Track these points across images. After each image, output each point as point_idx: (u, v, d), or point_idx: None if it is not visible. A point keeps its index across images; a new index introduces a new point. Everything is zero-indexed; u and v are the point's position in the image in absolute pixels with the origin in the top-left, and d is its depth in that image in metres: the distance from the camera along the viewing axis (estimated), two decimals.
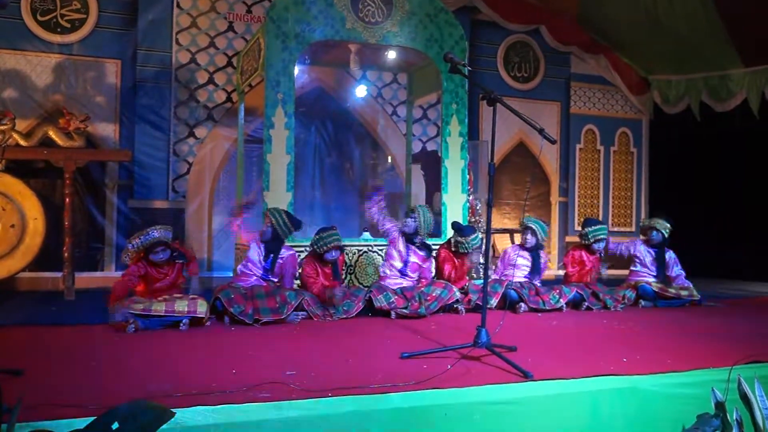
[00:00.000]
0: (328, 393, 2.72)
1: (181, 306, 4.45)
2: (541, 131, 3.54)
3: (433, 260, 5.82)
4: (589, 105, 9.43)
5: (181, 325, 4.41)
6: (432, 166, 7.26)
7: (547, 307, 5.55)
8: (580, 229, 6.45)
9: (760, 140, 8.65)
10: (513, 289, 5.54)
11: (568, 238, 9.11)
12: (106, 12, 7.11)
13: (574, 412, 2.98)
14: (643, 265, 6.35)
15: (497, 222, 8.75)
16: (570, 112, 9.32)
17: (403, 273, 5.44)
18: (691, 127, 9.00)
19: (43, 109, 6.81)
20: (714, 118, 8.67)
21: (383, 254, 5.81)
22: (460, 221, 6.12)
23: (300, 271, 5.36)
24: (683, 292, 6.17)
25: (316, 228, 5.39)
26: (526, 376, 3.10)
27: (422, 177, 7.86)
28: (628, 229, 9.48)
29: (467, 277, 5.95)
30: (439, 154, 6.45)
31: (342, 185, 8.29)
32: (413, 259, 5.48)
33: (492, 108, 3.56)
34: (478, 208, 7.42)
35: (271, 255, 5.05)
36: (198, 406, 2.50)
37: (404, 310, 5.06)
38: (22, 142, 6.26)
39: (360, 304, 5.08)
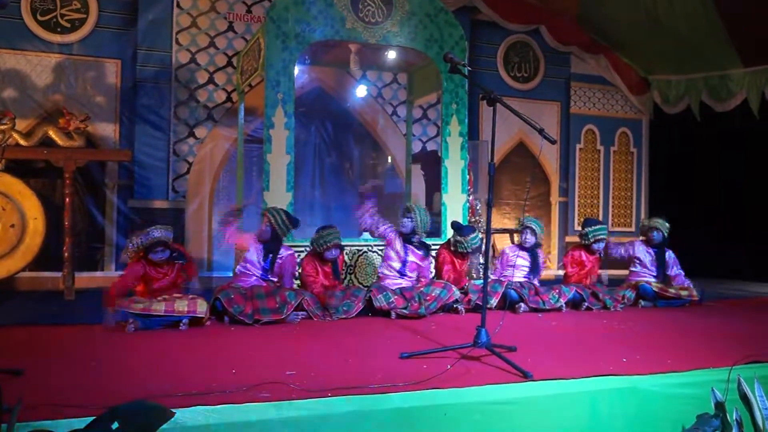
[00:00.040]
0: (327, 393, 2.73)
1: (181, 306, 4.46)
2: (541, 131, 3.54)
3: (432, 259, 5.82)
4: (589, 105, 9.43)
5: (181, 324, 4.41)
6: (432, 166, 7.26)
7: (547, 307, 5.55)
8: (579, 229, 6.45)
9: (760, 140, 8.66)
10: (513, 289, 5.54)
11: (567, 238, 9.10)
12: (106, 12, 7.11)
13: (574, 412, 2.98)
14: (643, 265, 6.35)
15: (497, 222, 8.75)
16: (570, 112, 9.31)
17: (402, 273, 5.45)
18: (691, 127, 8.99)
19: (43, 108, 6.81)
20: (714, 118, 8.67)
21: (383, 255, 5.81)
22: (460, 221, 6.12)
23: (300, 270, 5.37)
24: (683, 292, 6.17)
25: (316, 228, 5.40)
26: (526, 376, 3.10)
27: (422, 177, 7.87)
28: (628, 229, 9.47)
29: (467, 277, 5.96)
30: (439, 154, 6.45)
31: (342, 185, 8.29)
32: (411, 258, 5.48)
33: (492, 108, 3.56)
34: (478, 208, 7.42)
35: (270, 255, 5.05)
36: (198, 406, 2.50)
37: (404, 311, 5.06)
38: (22, 142, 6.27)
39: (360, 304, 5.08)
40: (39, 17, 6.84)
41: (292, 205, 5.61)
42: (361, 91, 7.89)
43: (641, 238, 6.57)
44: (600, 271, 6.50)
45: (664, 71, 9.14)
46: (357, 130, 8.26)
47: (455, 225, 5.80)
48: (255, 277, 5.04)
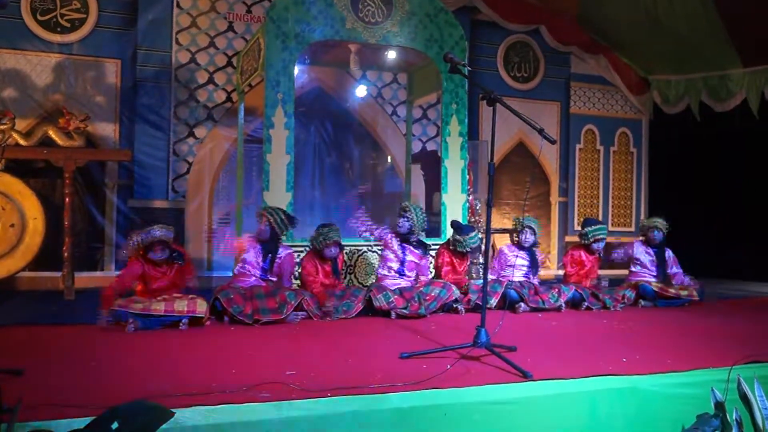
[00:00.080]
0: (327, 393, 2.73)
1: (181, 305, 4.46)
2: (540, 131, 3.54)
3: (431, 258, 5.81)
4: (589, 105, 9.44)
5: (181, 324, 4.41)
6: (432, 166, 7.25)
7: (547, 306, 5.56)
8: (579, 229, 6.46)
9: (759, 140, 8.66)
10: (513, 288, 5.54)
11: (567, 238, 9.10)
12: (106, 12, 7.11)
13: (574, 412, 2.98)
14: (643, 265, 6.36)
15: (497, 222, 8.74)
16: (570, 112, 9.31)
17: (400, 273, 5.44)
18: (691, 127, 9.00)
19: (43, 108, 6.81)
20: (714, 118, 8.68)
21: (380, 257, 5.80)
22: (460, 221, 6.12)
23: (299, 269, 5.37)
24: (683, 292, 6.17)
25: (316, 227, 5.40)
26: (526, 376, 3.10)
27: (422, 177, 7.87)
28: (627, 229, 9.48)
29: (466, 277, 5.95)
30: (439, 154, 6.45)
31: (342, 185, 8.29)
32: (410, 258, 5.48)
33: (492, 108, 3.56)
34: (477, 208, 7.42)
35: (269, 255, 5.05)
36: (198, 406, 2.50)
37: (404, 310, 5.05)
38: (22, 142, 6.27)
39: (360, 304, 5.08)
40: (39, 17, 6.84)
41: (291, 205, 5.62)
42: (361, 91, 7.89)
43: (641, 238, 6.58)
44: (600, 272, 6.50)
45: (663, 71, 9.14)
46: (357, 130, 8.25)
47: (454, 224, 5.80)
48: (254, 278, 5.04)
